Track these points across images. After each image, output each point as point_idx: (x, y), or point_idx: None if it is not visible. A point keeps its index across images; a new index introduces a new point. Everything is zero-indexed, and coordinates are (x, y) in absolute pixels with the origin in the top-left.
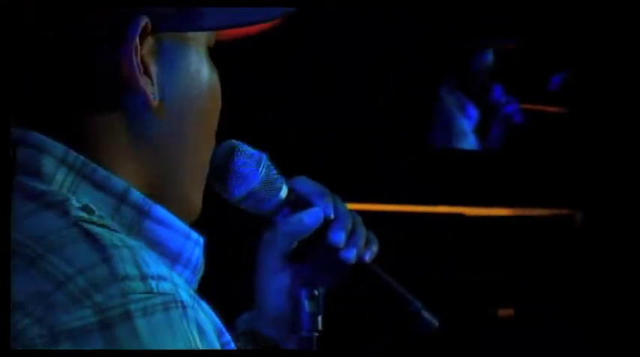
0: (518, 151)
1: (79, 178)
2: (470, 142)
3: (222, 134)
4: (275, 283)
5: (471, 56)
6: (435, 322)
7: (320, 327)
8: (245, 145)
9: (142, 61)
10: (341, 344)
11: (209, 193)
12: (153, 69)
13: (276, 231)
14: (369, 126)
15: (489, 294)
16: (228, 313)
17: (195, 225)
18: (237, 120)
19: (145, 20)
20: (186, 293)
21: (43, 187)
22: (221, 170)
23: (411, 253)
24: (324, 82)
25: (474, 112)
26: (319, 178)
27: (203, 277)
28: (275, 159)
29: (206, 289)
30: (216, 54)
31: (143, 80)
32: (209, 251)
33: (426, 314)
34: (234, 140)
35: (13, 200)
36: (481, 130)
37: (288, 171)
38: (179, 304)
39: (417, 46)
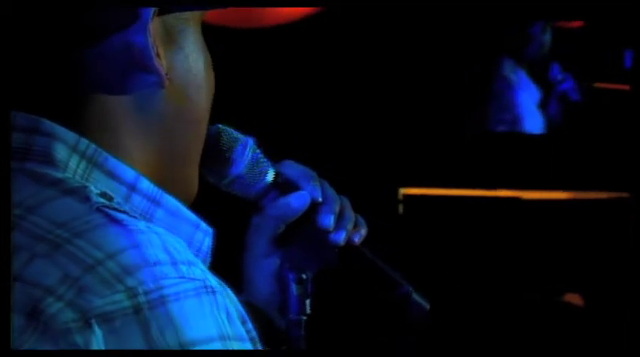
0: (576, 130)
1: (90, 165)
2: (536, 120)
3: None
4: (263, 267)
5: (530, 34)
6: (426, 305)
7: (308, 310)
8: (231, 129)
9: (154, 42)
10: (330, 327)
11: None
12: (160, 49)
13: (264, 215)
14: (427, 110)
15: (550, 279)
16: None
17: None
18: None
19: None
20: (214, 279)
21: (57, 174)
22: (207, 154)
23: (469, 237)
24: (382, 64)
25: (535, 90)
26: (383, 163)
27: None
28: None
29: None
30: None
31: (157, 61)
32: None
33: (416, 297)
34: (219, 124)
35: (24, 186)
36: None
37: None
38: (209, 290)
39: (475, 26)
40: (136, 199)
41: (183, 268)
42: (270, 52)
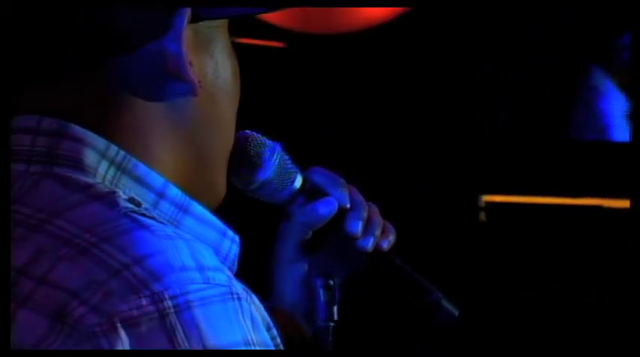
0: None
1: (119, 172)
2: (623, 129)
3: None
4: (291, 273)
5: (620, 44)
6: (455, 312)
7: (336, 317)
8: (259, 135)
9: (187, 50)
10: (358, 334)
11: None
12: (192, 57)
13: (291, 221)
14: (510, 116)
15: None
16: None
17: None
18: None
19: (188, 10)
20: (240, 285)
21: (87, 179)
22: (235, 160)
23: (551, 246)
24: (459, 66)
25: (623, 100)
26: (464, 170)
27: None
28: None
29: None
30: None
31: (190, 69)
32: None
33: (445, 304)
34: (247, 131)
35: (50, 190)
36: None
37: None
38: (235, 296)
39: (559, 33)
40: (164, 205)
41: (210, 273)
42: (332, 57)
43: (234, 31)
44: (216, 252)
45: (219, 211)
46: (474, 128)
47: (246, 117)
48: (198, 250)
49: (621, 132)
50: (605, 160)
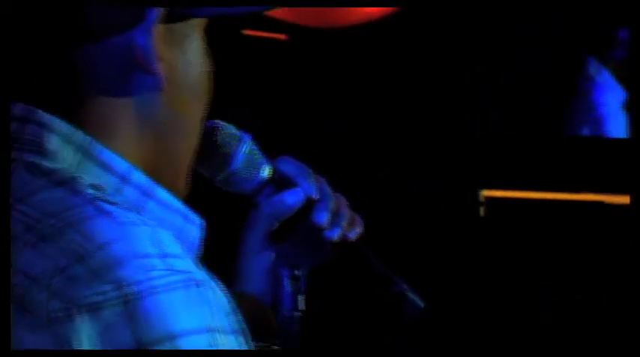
0: None
1: (84, 157)
2: (619, 122)
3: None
4: (257, 262)
5: (618, 37)
6: (421, 304)
7: (302, 307)
8: (228, 125)
9: (156, 45)
10: (325, 324)
11: (193, 173)
12: (162, 53)
13: (259, 211)
14: (508, 109)
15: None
16: None
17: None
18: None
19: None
20: (202, 272)
21: (49, 164)
22: (203, 150)
23: (551, 241)
24: (458, 60)
25: (621, 92)
26: (464, 165)
27: None
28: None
29: None
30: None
31: (158, 64)
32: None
33: (411, 295)
34: (217, 120)
35: (16, 176)
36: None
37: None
38: (197, 282)
39: (550, 33)
40: (128, 190)
41: (172, 260)
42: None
43: (236, 22)
44: (180, 237)
45: (188, 201)
46: (474, 124)
47: (241, 108)
48: (160, 237)
49: (617, 124)
50: (605, 156)
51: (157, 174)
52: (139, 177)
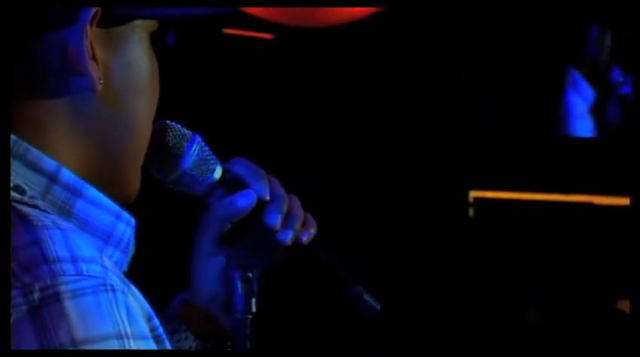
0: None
1: (10, 157)
2: (585, 124)
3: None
4: (209, 265)
5: (588, 35)
6: (377, 306)
7: (254, 309)
8: (177, 125)
9: (91, 46)
10: (278, 326)
11: (145, 174)
12: (99, 54)
13: (210, 213)
14: (495, 109)
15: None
16: (163, 295)
17: (131, 206)
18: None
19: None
20: (116, 277)
21: None
22: (153, 151)
23: (540, 242)
24: (447, 62)
25: (589, 93)
26: (453, 165)
27: (139, 259)
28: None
29: (141, 271)
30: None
31: (91, 64)
32: (145, 233)
33: (367, 297)
34: (167, 121)
35: None
36: (599, 112)
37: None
38: (109, 288)
39: (540, 33)
40: (57, 190)
41: (83, 265)
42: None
43: (222, 21)
44: (110, 235)
45: (138, 202)
46: (462, 126)
47: (228, 108)
48: (73, 241)
49: (583, 125)
50: (596, 157)
51: (95, 172)
52: (68, 176)
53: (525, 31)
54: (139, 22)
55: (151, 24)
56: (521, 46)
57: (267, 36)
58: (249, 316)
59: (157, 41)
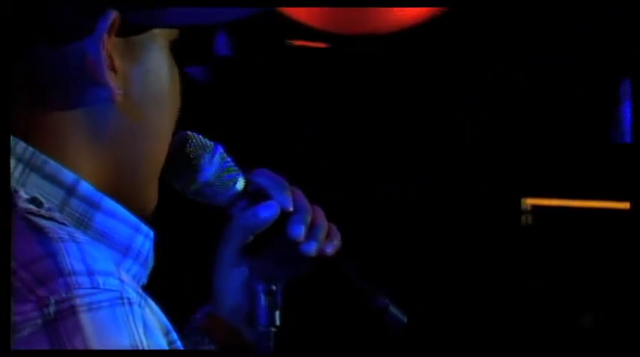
0: None
1: (27, 169)
2: None
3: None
4: (232, 277)
5: None
6: (404, 319)
7: (278, 322)
8: (199, 136)
9: (109, 56)
10: (301, 340)
11: (166, 185)
12: (118, 64)
13: (233, 224)
14: (551, 115)
15: None
16: (185, 308)
17: (152, 219)
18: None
19: (113, 15)
20: (133, 290)
21: None
22: (174, 162)
23: (593, 250)
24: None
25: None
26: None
27: (160, 272)
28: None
29: (163, 284)
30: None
31: (109, 75)
32: (166, 246)
33: (393, 310)
34: (188, 131)
35: None
36: None
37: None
38: (125, 301)
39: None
40: (75, 202)
41: (99, 278)
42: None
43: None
44: (129, 248)
45: (160, 214)
46: (515, 130)
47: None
48: (89, 254)
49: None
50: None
51: (114, 184)
52: (86, 188)
53: (586, 36)
54: (158, 31)
55: (172, 32)
56: (580, 52)
57: (321, 45)
58: (273, 329)
59: (178, 49)
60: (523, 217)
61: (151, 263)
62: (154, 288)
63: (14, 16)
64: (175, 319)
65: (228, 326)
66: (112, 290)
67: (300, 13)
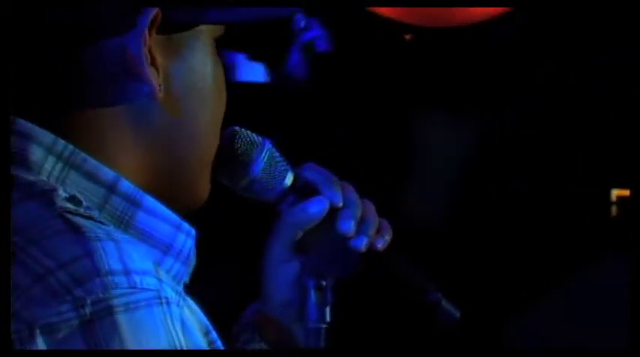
0: None
1: (67, 167)
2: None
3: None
4: (282, 273)
5: None
6: (456, 313)
7: (328, 318)
8: (247, 131)
9: (150, 52)
10: (352, 337)
11: (215, 181)
12: (160, 60)
13: (282, 220)
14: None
15: None
16: (237, 304)
17: (202, 215)
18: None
19: (154, 11)
20: (171, 289)
21: (30, 176)
22: (222, 158)
23: None
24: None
25: None
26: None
27: (208, 270)
28: None
29: (212, 282)
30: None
31: (150, 71)
32: (217, 242)
33: (446, 305)
34: (236, 127)
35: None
36: None
37: None
38: (163, 301)
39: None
40: (115, 200)
41: (137, 277)
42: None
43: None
44: (170, 246)
45: (209, 208)
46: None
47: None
48: (127, 253)
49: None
50: None
51: (157, 182)
52: (127, 186)
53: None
54: (202, 28)
55: (216, 29)
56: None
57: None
58: (323, 326)
59: (224, 45)
60: (612, 208)
61: (193, 261)
62: (200, 286)
63: (50, 13)
64: (225, 317)
65: (278, 323)
66: (150, 290)
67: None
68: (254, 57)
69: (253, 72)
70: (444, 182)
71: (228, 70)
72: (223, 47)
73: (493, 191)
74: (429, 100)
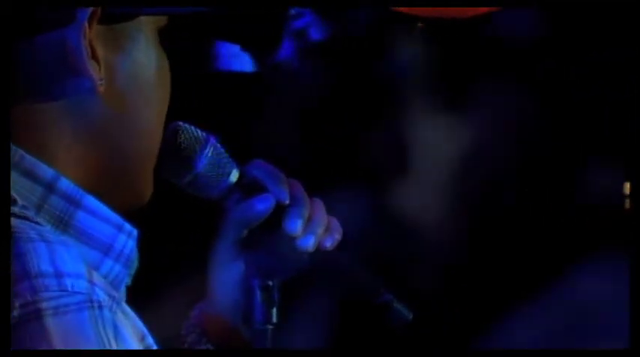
0: None
1: None
2: None
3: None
4: (227, 273)
5: None
6: (408, 314)
7: (275, 320)
8: (190, 127)
9: (91, 45)
10: (299, 337)
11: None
12: (101, 53)
13: (227, 218)
14: None
15: None
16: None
17: (145, 214)
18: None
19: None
20: (104, 293)
21: None
22: (165, 153)
23: None
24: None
25: None
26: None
27: (154, 267)
28: None
29: (156, 281)
30: None
31: (91, 64)
32: (161, 241)
33: (397, 306)
34: (179, 122)
35: None
36: None
37: None
38: (95, 305)
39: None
40: (54, 200)
41: (68, 280)
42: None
43: None
44: (110, 247)
45: (153, 207)
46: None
47: None
48: (59, 255)
49: None
50: None
51: (99, 179)
52: (67, 185)
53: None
54: (144, 18)
55: (160, 19)
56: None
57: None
58: (270, 327)
59: (167, 37)
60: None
61: (134, 263)
62: (146, 288)
63: None
64: (171, 317)
65: (224, 324)
66: (81, 293)
67: None
68: (242, 46)
69: (241, 62)
70: (443, 182)
71: (216, 59)
72: (167, 38)
73: (492, 191)
74: (428, 99)
